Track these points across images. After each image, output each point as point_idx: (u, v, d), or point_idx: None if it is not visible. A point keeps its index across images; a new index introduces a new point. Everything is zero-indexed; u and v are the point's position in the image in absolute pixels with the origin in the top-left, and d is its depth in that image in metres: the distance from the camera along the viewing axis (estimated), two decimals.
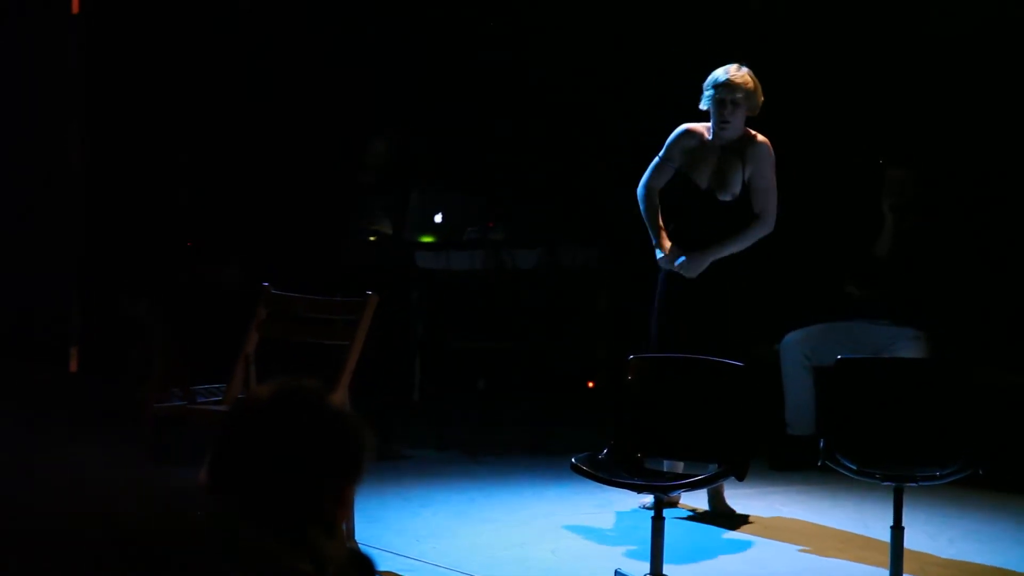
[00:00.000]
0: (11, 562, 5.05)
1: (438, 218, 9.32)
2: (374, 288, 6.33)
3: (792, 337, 7.90)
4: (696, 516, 6.79)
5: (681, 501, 6.90)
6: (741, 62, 6.64)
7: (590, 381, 9.48)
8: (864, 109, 8.81)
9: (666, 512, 5.47)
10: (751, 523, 6.73)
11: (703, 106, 6.62)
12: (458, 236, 9.27)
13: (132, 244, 9.74)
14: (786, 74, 8.42)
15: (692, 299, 6.62)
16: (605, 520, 6.72)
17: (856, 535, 6.54)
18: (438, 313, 9.28)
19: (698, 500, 6.91)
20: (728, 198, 6.61)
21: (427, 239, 9.28)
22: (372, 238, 9.31)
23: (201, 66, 9.88)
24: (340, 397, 6.07)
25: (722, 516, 6.77)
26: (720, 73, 6.60)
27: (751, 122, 6.67)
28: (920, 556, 6.11)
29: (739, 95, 6.55)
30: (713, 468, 5.59)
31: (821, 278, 8.35)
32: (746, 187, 6.60)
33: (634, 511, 6.77)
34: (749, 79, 6.59)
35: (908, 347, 7.65)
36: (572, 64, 9.77)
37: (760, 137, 6.64)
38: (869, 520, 6.70)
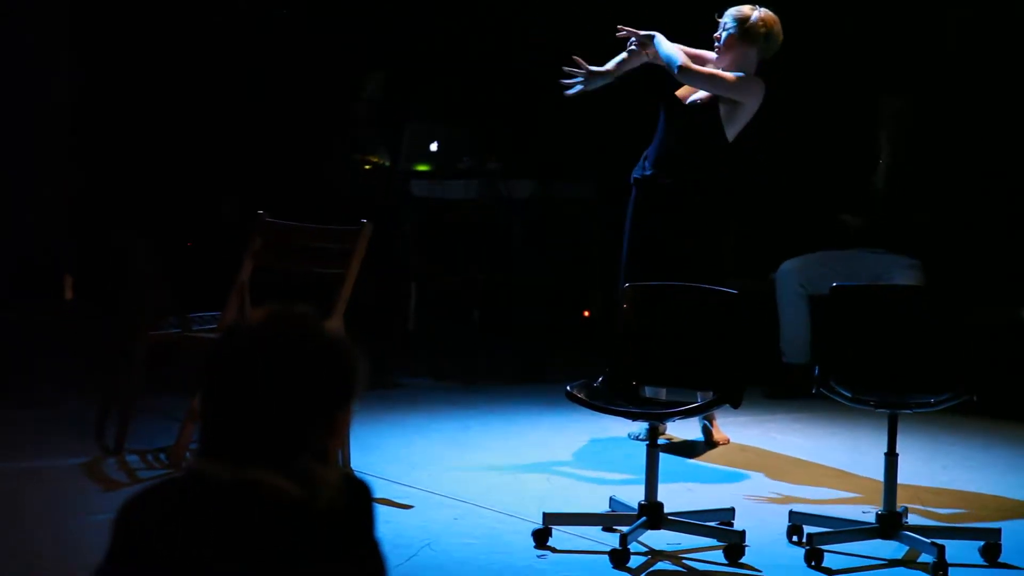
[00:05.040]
0: None
1: (433, 147, 9.28)
2: (369, 217, 6.32)
3: (788, 266, 7.90)
4: (684, 445, 6.81)
5: (668, 432, 6.91)
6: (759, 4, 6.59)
7: (585, 310, 9.48)
8: (862, 39, 8.76)
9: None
10: (745, 451, 6.75)
11: None
12: (453, 166, 9.24)
13: (127, 173, 9.71)
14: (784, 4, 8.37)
15: (658, 232, 6.59)
16: (600, 448, 6.73)
17: (850, 462, 6.56)
18: (433, 243, 9.26)
19: (690, 429, 6.92)
20: (696, 100, 6.56)
21: (422, 168, 9.25)
22: (367, 167, 9.28)
23: None
24: (335, 325, 6.07)
25: (716, 445, 6.79)
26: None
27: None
28: (914, 482, 6.14)
29: (727, 20, 6.51)
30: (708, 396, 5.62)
31: (817, 207, 8.34)
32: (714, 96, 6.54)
33: (625, 439, 6.80)
34: (748, 11, 6.52)
35: (903, 275, 7.66)
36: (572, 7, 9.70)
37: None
38: (863, 447, 6.73)
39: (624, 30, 6.58)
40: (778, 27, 6.54)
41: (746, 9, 6.53)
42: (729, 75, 6.48)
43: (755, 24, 6.49)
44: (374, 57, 9.60)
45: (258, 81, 9.78)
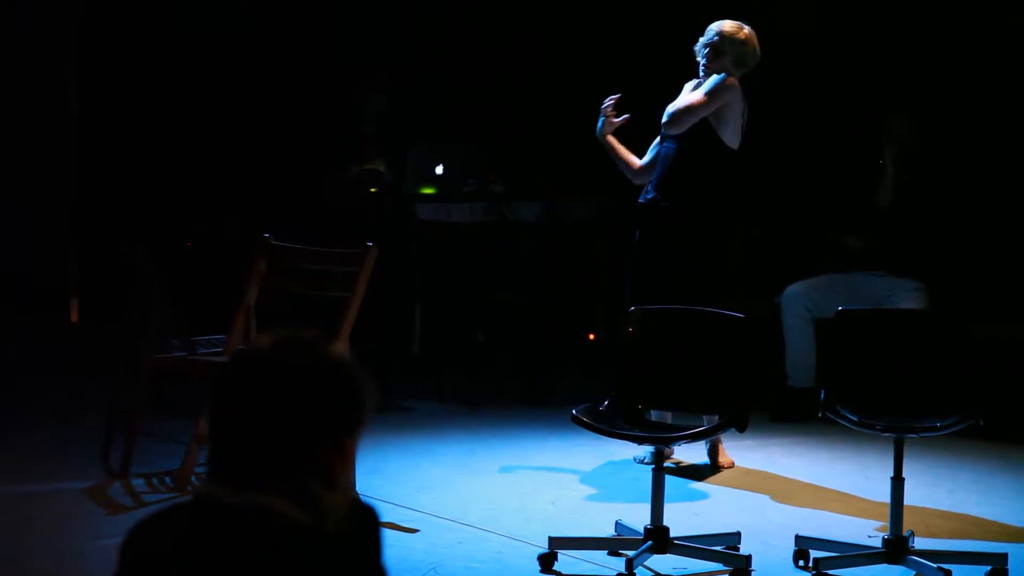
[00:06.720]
0: None
1: (439, 170, 9.28)
2: (374, 240, 6.32)
3: (793, 289, 7.90)
4: (690, 468, 6.80)
5: (674, 455, 6.90)
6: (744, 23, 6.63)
7: (590, 333, 9.47)
8: (865, 59, 8.78)
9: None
10: (751, 475, 6.74)
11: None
12: (458, 188, 9.24)
13: (129, 192, 9.71)
14: (787, 23, 8.38)
15: (654, 260, 6.62)
16: (605, 472, 6.72)
17: (856, 486, 6.55)
18: (438, 265, 9.26)
19: (695, 453, 6.91)
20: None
21: (427, 191, 9.26)
22: (372, 189, 9.27)
23: (200, 13, 9.83)
24: (341, 349, 6.05)
25: (721, 468, 6.77)
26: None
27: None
28: (920, 507, 6.12)
29: (712, 36, 6.55)
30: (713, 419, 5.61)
31: (821, 230, 8.33)
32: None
33: (630, 462, 6.78)
34: (729, 27, 6.56)
35: (908, 298, 7.66)
36: (575, 20, 9.71)
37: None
38: (869, 471, 6.71)
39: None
40: (755, 41, 6.60)
41: (725, 25, 6.58)
42: (697, 97, 6.53)
43: (731, 40, 6.54)
44: (378, 75, 9.60)
45: (262, 95, 9.78)
